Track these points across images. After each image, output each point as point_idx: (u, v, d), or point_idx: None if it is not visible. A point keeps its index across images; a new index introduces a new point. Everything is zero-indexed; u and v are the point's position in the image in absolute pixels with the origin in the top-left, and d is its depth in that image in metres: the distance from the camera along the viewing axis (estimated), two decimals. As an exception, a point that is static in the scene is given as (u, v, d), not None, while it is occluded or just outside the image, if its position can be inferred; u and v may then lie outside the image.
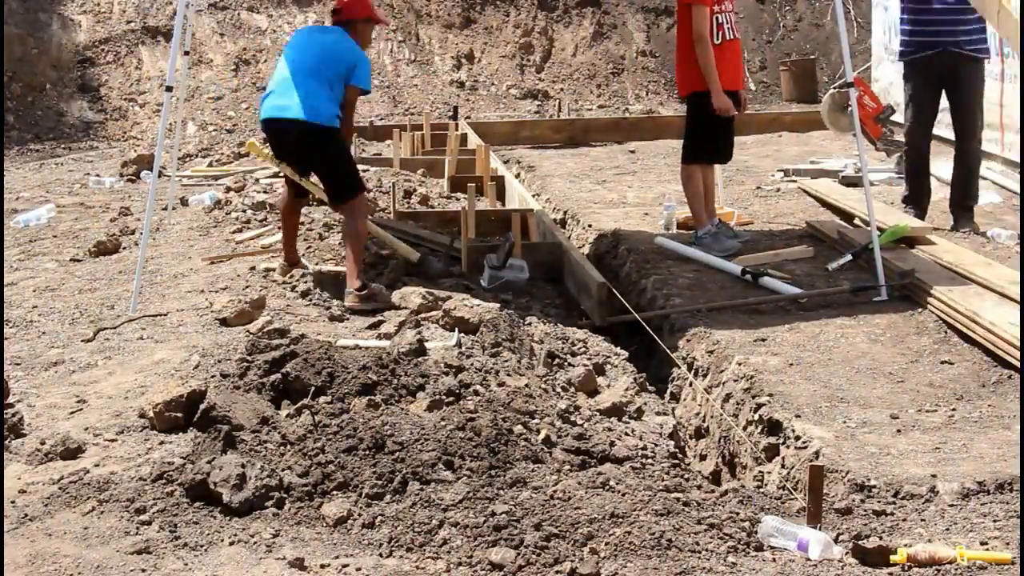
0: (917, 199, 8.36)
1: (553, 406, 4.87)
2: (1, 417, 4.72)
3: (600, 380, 5.53)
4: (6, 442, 4.66)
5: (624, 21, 15.75)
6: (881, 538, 3.89)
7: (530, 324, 6.20)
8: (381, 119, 13.75)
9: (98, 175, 10.86)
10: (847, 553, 3.79)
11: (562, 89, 14.96)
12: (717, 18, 7.40)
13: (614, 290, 6.75)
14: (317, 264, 7.19)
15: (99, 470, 4.37)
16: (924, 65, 8.07)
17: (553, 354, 5.71)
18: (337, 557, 3.74)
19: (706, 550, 3.77)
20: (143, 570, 3.64)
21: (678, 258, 7.44)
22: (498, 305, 6.28)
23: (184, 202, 9.35)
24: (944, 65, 8.01)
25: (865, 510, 4.17)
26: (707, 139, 7.54)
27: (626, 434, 4.87)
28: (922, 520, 4.10)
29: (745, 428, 5.28)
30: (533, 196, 9.54)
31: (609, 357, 5.98)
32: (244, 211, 8.71)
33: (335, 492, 4.10)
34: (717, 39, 7.39)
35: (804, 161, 10.80)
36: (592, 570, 3.63)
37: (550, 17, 15.66)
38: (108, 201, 9.77)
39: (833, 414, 5.05)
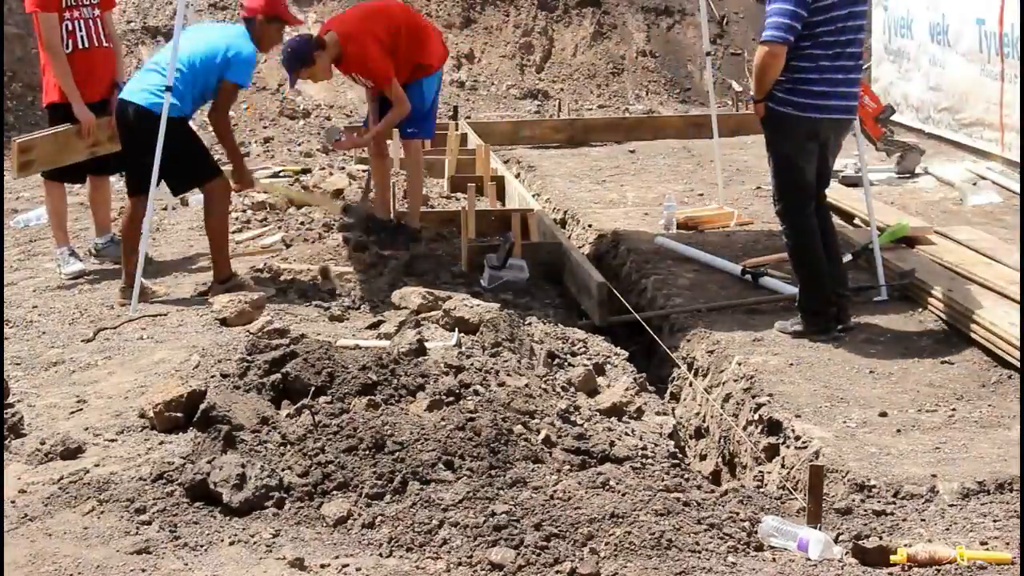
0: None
1: (553, 406, 4.87)
2: (1, 417, 4.72)
3: (600, 380, 5.53)
4: (6, 442, 4.66)
5: (624, 21, 15.74)
6: (881, 538, 3.89)
7: (530, 324, 6.20)
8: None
9: (98, 175, 10.83)
10: (847, 553, 3.79)
11: (562, 89, 14.95)
12: (67, 25, 7.17)
13: (614, 290, 6.75)
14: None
15: (99, 470, 4.37)
16: None
17: (553, 354, 5.71)
18: (337, 557, 3.74)
19: (706, 550, 3.77)
20: (143, 570, 3.64)
21: (678, 258, 7.44)
22: (498, 305, 6.27)
23: (184, 202, 9.32)
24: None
25: (865, 510, 4.17)
26: None
27: (626, 434, 4.87)
28: (922, 520, 4.10)
29: (745, 428, 5.28)
30: (533, 196, 9.54)
31: (609, 357, 5.98)
32: (244, 211, 8.71)
33: (335, 492, 4.11)
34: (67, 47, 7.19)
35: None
36: (592, 570, 3.63)
37: (550, 17, 15.65)
38: (108, 201, 9.75)
39: (833, 414, 5.05)
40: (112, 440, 4.70)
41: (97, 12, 7.37)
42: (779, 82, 5.81)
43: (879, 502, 4.23)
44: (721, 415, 5.49)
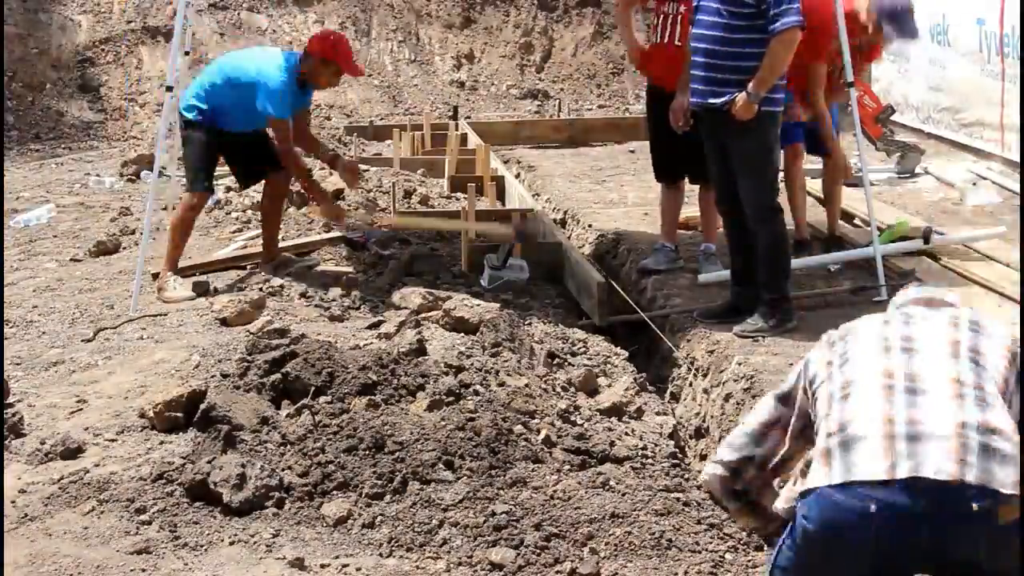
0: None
1: (553, 406, 4.87)
2: (1, 417, 4.72)
3: (600, 380, 5.53)
4: (6, 442, 4.66)
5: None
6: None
7: (530, 324, 6.20)
8: (381, 119, 13.74)
9: (98, 175, 10.85)
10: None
11: (562, 89, 14.95)
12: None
13: (616, 287, 6.74)
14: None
15: (99, 470, 4.37)
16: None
17: (553, 354, 5.71)
18: (337, 557, 3.74)
19: (706, 550, 3.77)
20: (143, 570, 3.64)
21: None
22: (498, 305, 6.27)
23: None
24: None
25: (865, 510, 4.16)
26: None
27: (626, 434, 4.87)
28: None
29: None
30: (533, 196, 9.54)
31: (609, 357, 5.98)
32: (244, 211, 8.70)
33: (335, 492, 4.11)
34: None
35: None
36: (592, 570, 3.63)
37: (550, 17, 15.65)
38: (108, 201, 9.76)
39: (833, 414, 5.04)
40: (112, 440, 4.70)
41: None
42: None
43: (879, 502, 4.22)
44: (722, 414, 5.49)
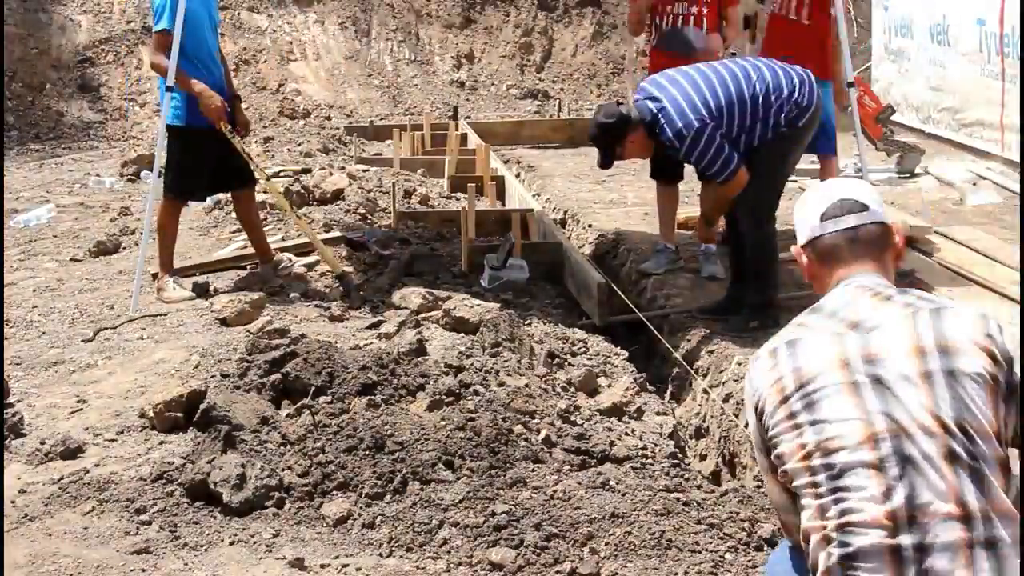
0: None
1: (553, 406, 4.87)
2: (1, 417, 4.72)
3: (600, 380, 5.53)
4: (6, 442, 4.66)
5: (624, 21, 15.75)
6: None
7: (530, 324, 6.20)
8: (381, 119, 13.75)
9: (98, 175, 10.86)
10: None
11: (562, 89, 14.96)
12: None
13: (616, 288, 6.75)
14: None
15: (99, 470, 4.37)
16: None
17: (553, 354, 5.71)
18: (337, 557, 3.74)
19: (706, 550, 3.77)
20: (143, 570, 3.64)
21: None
22: (498, 305, 6.28)
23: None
24: None
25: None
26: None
27: (626, 434, 4.87)
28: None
29: (745, 427, 5.28)
30: (533, 196, 9.54)
31: (609, 357, 5.98)
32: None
33: (335, 492, 4.11)
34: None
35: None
36: (592, 570, 3.63)
37: (550, 17, 15.66)
38: (108, 201, 9.77)
39: (833, 414, 5.04)
40: (112, 440, 4.70)
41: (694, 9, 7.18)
42: (777, 112, 5.86)
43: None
44: (722, 414, 5.49)
